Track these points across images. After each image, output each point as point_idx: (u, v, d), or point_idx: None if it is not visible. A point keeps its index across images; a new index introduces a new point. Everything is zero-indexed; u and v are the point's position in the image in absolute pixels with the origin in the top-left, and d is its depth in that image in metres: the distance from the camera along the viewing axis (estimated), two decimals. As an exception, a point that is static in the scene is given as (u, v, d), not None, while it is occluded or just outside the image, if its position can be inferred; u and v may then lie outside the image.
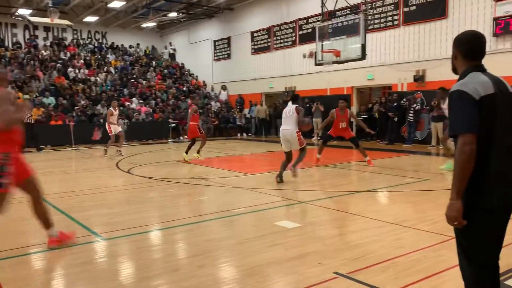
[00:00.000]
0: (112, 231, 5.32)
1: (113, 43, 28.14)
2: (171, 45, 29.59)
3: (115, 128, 13.85)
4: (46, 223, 4.58)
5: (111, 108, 14.06)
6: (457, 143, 2.30)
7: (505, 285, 3.46)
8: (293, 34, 20.69)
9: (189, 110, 12.18)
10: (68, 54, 24.87)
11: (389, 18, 16.57)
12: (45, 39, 25.86)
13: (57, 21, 21.88)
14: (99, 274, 3.94)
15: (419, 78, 15.53)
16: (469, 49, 2.48)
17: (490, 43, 13.41)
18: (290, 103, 8.63)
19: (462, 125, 2.29)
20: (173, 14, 24.94)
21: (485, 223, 2.37)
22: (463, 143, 2.26)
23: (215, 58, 26.13)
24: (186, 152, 11.86)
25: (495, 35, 13.32)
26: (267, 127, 22.07)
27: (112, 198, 7.43)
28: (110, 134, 13.80)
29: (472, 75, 2.41)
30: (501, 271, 2.58)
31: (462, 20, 14.31)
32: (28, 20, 23.53)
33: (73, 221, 5.75)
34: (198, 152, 12.03)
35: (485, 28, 13.64)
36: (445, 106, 9.49)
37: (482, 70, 2.47)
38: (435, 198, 6.84)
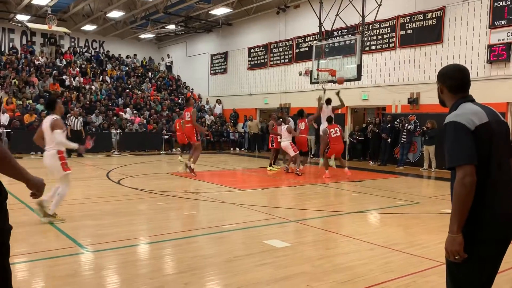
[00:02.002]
0: (98, 243, 5.22)
1: (108, 51, 28.16)
2: (168, 57, 29.68)
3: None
4: None
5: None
6: (456, 175, 2.26)
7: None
8: (290, 52, 20.85)
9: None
10: (64, 62, 24.84)
11: (385, 40, 16.76)
12: (42, 45, 25.82)
13: (55, 28, 21.87)
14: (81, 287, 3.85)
15: (413, 100, 15.64)
16: (455, 84, 2.48)
17: (484, 70, 13.58)
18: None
19: (460, 156, 2.25)
20: (171, 27, 25.06)
21: (482, 255, 2.31)
22: (464, 175, 2.23)
23: (212, 72, 26.21)
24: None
25: (489, 61, 13.48)
26: (260, 143, 22.03)
27: (100, 209, 7.31)
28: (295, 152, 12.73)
29: (463, 106, 2.41)
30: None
31: (457, 45, 14.50)
32: (26, 26, 23.50)
33: (59, 232, 5.65)
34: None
35: (480, 55, 13.83)
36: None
37: (471, 100, 2.47)
38: (425, 222, 6.81)
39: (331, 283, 4.04)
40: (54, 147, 6.20)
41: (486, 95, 12.47)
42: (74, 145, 6.44)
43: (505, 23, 13.20)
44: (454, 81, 2.47)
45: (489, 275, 2.42)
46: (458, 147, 2.27)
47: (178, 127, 15.06)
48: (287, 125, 12.75)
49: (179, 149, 20.13)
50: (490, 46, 13.50)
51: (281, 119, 13.50)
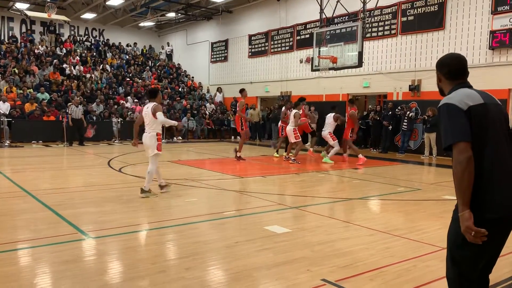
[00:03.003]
0: (100, 229, 5.25)
1: (108, 39, 28.03)
2: (168, 45, 29.54)
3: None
4: None
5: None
6: (453, 154, 2.27)
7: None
8: (291, 39, 20.73)
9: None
10: (64, 50, 24.75)
11: (386, 27, 16.64)
12: (42, 34, 25.70)
13: (54, 16, 21.79)
14: (83, 273, 3.88)
15: (414, 87, 15.58)
16: (451, 70, 2.54)
17: (486, 56, 13.49)
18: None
19: (454, 135, 2.28)
20: (171, 15, 24.90)
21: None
22: (458, 152, 2.24)
23: (212, 60, 26.11)
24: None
25: (491, 48, 13.38)
26: (260, 131, 21.98)
27: (102, 197, 7.33)
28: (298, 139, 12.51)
29: (457, 91, 2.45)
30: (490, 283, 2.56)
31: (459, 32, 14.40)
32: (25, 15, 23.38)
33: (60, 218, 5.68)
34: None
35: (482, 41, 13.73)
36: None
37: (468, 86, 2.50)
38: (426, 208, 6.83)
39: (331, 267, 4.07)
40: (155, 130, 7.22)
41: (488, 81, 12.41)
42: (174, 122, 7.52)
43: (508, 8, 13.08)
44: (450, 68, 2.54)
45: (490, 258, 2.42)
46: (451, 126, 2.30)
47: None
48: (296, 111, 12.69)
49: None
50: (492, 32, 13.39)
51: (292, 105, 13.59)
